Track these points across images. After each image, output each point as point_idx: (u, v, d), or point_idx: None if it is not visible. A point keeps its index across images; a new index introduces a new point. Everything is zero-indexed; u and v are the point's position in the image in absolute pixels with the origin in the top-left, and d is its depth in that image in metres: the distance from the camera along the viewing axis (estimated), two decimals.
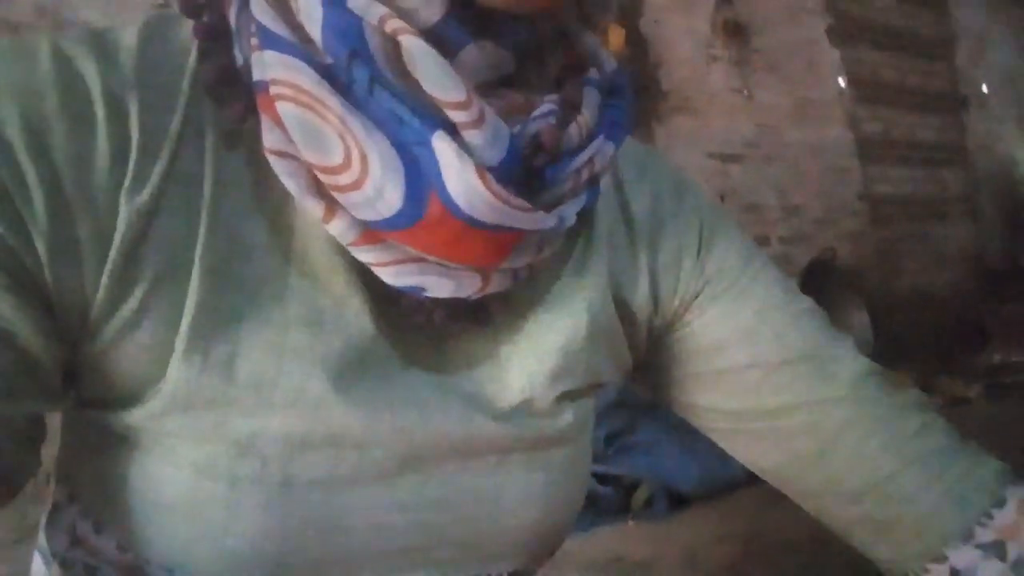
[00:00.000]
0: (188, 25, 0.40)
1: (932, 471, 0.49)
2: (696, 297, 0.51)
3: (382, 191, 0.34)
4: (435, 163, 0.34)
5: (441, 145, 0.33)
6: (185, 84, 0.39)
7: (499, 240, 0.36)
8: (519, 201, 0.35)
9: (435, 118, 0.34)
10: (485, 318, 0.43)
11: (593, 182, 0.41)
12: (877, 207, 4.29)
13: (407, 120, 0.34)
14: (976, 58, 5.36)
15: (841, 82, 4.26)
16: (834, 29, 4.27)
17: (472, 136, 0.34)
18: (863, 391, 0.50)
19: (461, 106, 0.33)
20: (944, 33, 5.16)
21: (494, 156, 0.34)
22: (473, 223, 0.34)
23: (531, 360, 0.45)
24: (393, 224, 0.35)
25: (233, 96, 0.38)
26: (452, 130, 0.34)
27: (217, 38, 0.39)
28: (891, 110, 4.57)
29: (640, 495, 1.98)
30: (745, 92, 3.62)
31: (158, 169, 0.37)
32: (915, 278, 4.39)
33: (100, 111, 0.36)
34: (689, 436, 1.97)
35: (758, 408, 0.51)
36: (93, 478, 0.41)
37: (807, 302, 0.54)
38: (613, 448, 2.14)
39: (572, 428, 0.46)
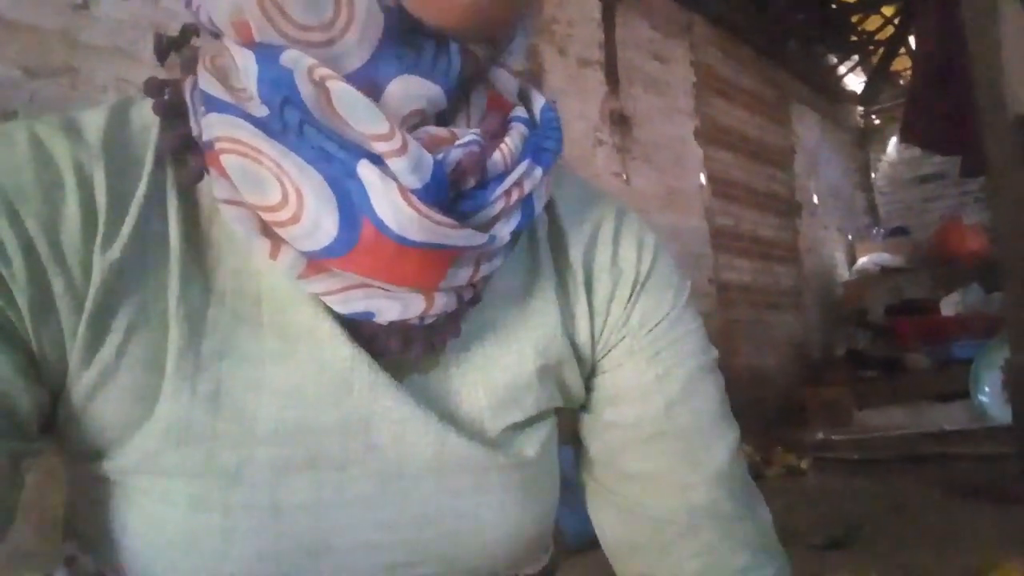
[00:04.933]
0: (150, 105, 0.44)
1: None
2: (616, 346, 0.52)
3: (319, 222, 0.37)
4: (364, 190, 0.37)
5: (366, 172, 0.37)
6: (149, 155, 0.43)
7: (433, 258, 0.39)
8: (445, 219, 0.38)
9: (361, 150, 0.37)
10: (441, 345, 0.45)
11: (525, 203, 0.43)
12: (723, 292, 4.57)
13: (335, 154, 0.37)
14: (810, 170, 5.97)
15: (702, 177, 4.58)
16: (699, 130, 4.61)
17: (396, 163, 0.36)
18: (715, 492, 0.51)
19: (384, 138, 0.36)
20: (786, 145, 5.69)
21: (417, 180, 0.37)
22: (405, 242, 0.37)
23: (480, 394, 0.47)
24: (333, 251, 0.38)
25: (190, 160, 0.42)
26: (378, 160, 0.37)
27: (175, 113, 0.43)
28: (740, 207, 4.93)
29: None
30: (624, 176, 3.84)
31: (127, 228, 0.40)
32: (749, 359, 4.65)
33: (70, 180, 0.40)
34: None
35: (620, 470, 0.53)
36: (98, 529, 0.43)
37: (711, 381, 0.54)
38: None
39: (531, 453, 0.49)
